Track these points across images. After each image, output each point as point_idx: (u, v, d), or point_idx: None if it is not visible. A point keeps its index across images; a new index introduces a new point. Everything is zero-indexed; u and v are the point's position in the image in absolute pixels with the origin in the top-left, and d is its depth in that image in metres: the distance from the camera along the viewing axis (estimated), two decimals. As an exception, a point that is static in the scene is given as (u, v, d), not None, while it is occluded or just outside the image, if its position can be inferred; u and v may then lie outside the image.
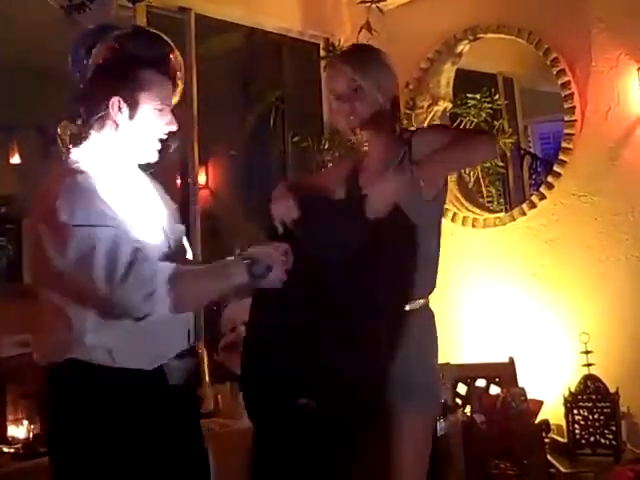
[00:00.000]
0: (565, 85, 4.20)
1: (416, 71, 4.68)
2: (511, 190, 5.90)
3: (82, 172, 2.08)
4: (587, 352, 3.81)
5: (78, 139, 2.30)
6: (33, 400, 3.28)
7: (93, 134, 2.19)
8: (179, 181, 4.60)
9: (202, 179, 4.96)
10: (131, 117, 2.16)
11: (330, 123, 4.85)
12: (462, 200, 4.72)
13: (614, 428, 3.72)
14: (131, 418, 2.05)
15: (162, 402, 2.11)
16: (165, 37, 3.36)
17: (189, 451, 2.19)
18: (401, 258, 2.26)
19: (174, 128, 2.23)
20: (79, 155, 2.16)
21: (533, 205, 4.32)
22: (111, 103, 2.15)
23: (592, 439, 3.75)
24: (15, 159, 5.51)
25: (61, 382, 2.08)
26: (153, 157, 2.25)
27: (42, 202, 2.07)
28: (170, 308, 2.00)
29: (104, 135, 2.18)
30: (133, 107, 2.16)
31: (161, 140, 2.23)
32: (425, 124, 4.67)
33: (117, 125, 2.17)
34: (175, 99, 3.46)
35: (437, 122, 4.73)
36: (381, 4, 4.45)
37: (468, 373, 4.00)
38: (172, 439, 2.12)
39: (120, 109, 2.15)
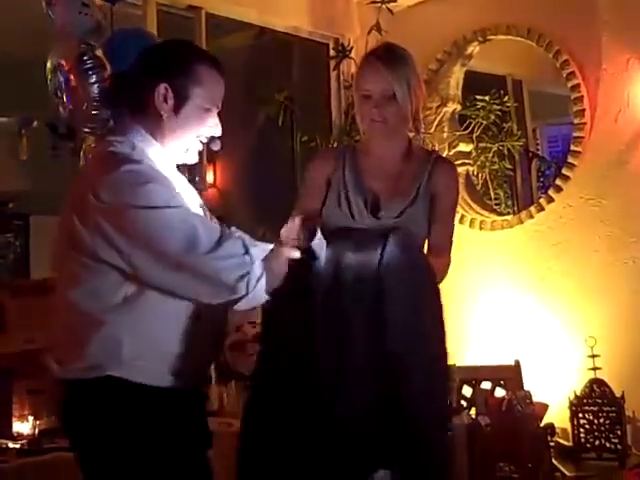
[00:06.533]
0: (575, 88, 4.19)
1: (425, 72, 4.66)
2: (519, 193, 5.88)
3: (138, 162, 1.90)
4: (593, 356, 3.81)
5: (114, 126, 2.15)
6: (39, 396, 3.29)
7: (131, 122, 2.00)
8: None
9: (210, 178, 4.96)
10: (176, 110, 1.96)
11: (335, 120, 4.87)
12: (470, 202, 4.71)
13: (619, 432, 3.71)
14: (169, 437, 1.92)
15: (195, 417, 2.06)
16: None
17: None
18: None
19: (218, 132, 2.05)
20: (124, 144, 1.94)
21: (541, 208, 4.32)
22: (157, 89, 1.94)
23: (597, 443, 3.75)
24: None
25: (98, 399, 1.90)
26: (193, 158, 2.07)
27: (111, 193, 1.84)
28: (265, 291, 1.85)
29: (145, 124, 1.98)
30: (181, 99, 1.96)
31: (202, 142, 2.05)
32: (434, 125, 4.69)
33: (159, 115, 1.96)
34: None
35: (446, 124, 4.74)
36: (391, 5, 4.46)
37: (473, 375, 3.98)
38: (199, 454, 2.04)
39: (166, 98, 1.95)
